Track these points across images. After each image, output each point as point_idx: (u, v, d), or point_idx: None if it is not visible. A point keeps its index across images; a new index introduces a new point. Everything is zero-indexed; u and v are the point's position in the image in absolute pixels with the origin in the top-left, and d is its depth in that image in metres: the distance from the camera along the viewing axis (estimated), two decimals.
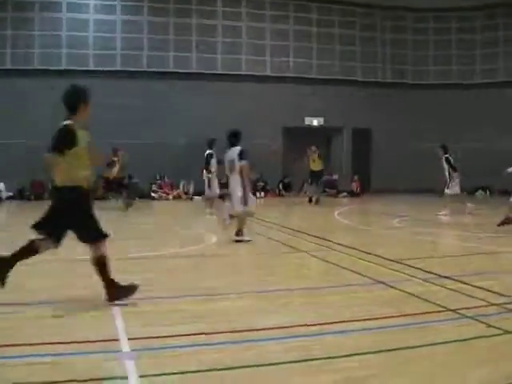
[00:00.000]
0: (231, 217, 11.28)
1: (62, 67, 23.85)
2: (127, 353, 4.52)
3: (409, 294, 6.59)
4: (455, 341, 4.86)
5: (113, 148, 18.78)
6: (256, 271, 8.05)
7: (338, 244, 10.74)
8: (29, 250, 6.00)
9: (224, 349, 4.69)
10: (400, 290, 6.80)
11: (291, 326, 5.23)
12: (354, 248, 10.12)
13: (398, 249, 10.62)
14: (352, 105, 26.99)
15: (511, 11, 27.67)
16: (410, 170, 26.13)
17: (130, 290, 6.02)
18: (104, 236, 6.03)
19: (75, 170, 5.92)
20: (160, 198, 23.82)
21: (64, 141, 5.89)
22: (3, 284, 5.91)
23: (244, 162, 10.85)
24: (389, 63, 28.91)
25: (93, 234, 6.01)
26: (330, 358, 4.44)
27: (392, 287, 6.94)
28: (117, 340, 4.80)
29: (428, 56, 29.07)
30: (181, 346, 4.68)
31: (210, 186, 16.84)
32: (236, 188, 10.89)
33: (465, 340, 4.88)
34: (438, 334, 5.09)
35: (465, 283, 7.11)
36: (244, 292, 6.56)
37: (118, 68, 24.81)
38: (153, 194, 24.08)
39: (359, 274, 7.77)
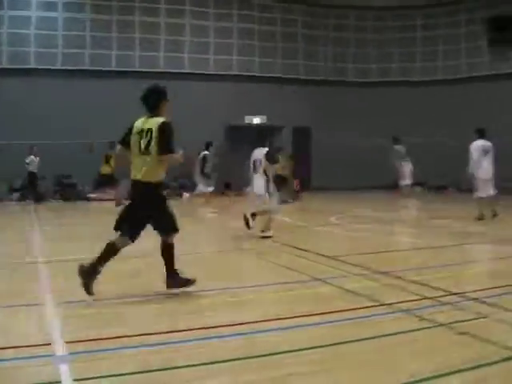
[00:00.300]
0: (254, 215, 11.44)
1: (2, 66, 23.37)
2: (62, 356, 4.47)
3: (345, 290, 6.71)
4: (389, 334, 4.98)
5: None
6: (196, 271, 8.02)
7: (276, 242, 10.82)
8: (110, 252, 6.25)
9: (163, 349, 4.67)
10: (337, 286, 6.91)
11: (232, 325, 5.26)
12: (291, 245, 10.22)
13: (335, 245, 10.77)
14: (293, 103, 27.17)
15: (446, 10, 28.54)
16: (351, 168, 26.45)
17: (188, 282, 6.44)
18: (177, 230, 6.44)
19: (162, 166, 6.33)
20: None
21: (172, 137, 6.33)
22: (91, 292, 6.06)
23: (269, 163, 11.35)
24: (330, 61, 29.24)
25: (169, 226, 6.40)
26: (270, 354, 4.49)
27: (329, 284, 7.04)
28: (51, 344, 4.73)
29: (369, 54, 29.55)
30: (117, 348, 4.65)
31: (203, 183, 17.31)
32: (261, 187, 11.26)
33: (398, 333, 5.00)
34: (373, 328, 5.20)
35: (399, 278, 7.29)
36: (183, 292, 6.54)
37: (59, 67, 24.35)
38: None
39: (297, 271, 7.84)
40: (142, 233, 6.31)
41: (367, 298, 6.24)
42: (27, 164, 21.33)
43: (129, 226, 6.27)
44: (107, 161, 20.47)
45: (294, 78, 28.03)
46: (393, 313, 5.71)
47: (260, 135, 11.46)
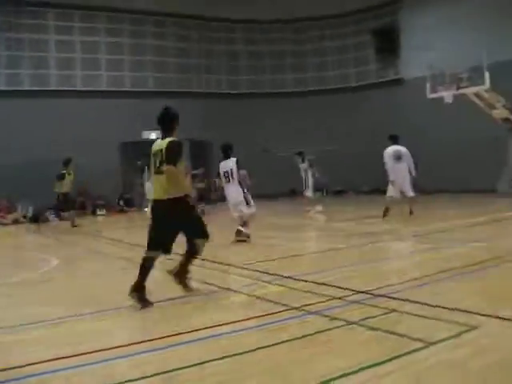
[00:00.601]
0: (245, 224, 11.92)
1: None
2: None
3: (254, 296, 6.69)
4: (302, 337, 4.99)
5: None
6: (96, 291, 7.79)
7: (182, 254, 10.69)
8: (148, 267, 6.73)
9: (74, 373, 4.47)
10: (246, 294, 6.90)
11: (140, 342, 5.11)
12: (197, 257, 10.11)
13: (240, 254, 10.77)
14: (189, 117, 27.07)
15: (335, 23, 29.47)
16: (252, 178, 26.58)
17: (189, 288, 7.05)
18: (207, 236, 7.11)
19: (173, 182, 6.67)
20: None
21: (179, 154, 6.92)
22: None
23: (243, 171, 12.21)
24: (224, 74, 29.43)
25: (200, 232, 7.07)
26: (182, 368, 4.38)
27: (238, 292, 7.03)
28: None
29: (263, 66, 30.02)
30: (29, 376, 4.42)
31: None
32: (238, 195, 11.87)
33: (310, 335, 5.03)
34: (285, 332, 5.18)
35: (306, 281, 7.35)
36: (89, 313, 6.33)
37: None
38: None
39: (204, 282, 7.76)
40: None
41: (276, 304, 6.24)
42: None
43: (158, 243, 6.78)
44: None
45: (189, 91, 28.02)
46: (303, 315, 5.74)
47: (223, 149, 12.42)
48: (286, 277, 7.75)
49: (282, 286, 7.26)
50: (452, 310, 5.53)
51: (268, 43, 30.14)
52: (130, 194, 25.82)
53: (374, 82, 28.54)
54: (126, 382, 4.17)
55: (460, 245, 10.20)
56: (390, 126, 25.09)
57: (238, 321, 5.63)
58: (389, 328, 5.06)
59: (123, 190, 26.04)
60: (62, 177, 18.40)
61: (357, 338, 4.90)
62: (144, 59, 27.44)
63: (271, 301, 6.40)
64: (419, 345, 4.53)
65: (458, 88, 19.30)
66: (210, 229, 7.16)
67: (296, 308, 5.98)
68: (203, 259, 9.77)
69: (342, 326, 5.27)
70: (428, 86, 20.21)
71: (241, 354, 4.63)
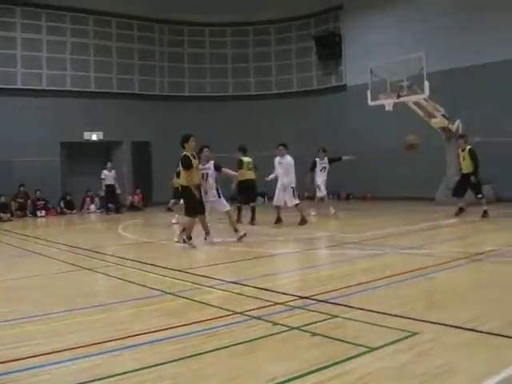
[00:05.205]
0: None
1: None
2: None
3: (197, 301, 6.67)
4: (243, 342, 4.99)
5: None
6: (36, 294, 7.62)
7: (123, 258, 10.61)
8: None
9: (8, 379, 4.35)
10: (188, 298, 6.86)
11: (83, 346, 5.01)
12: (139, 261, 10.04)
13: (182, 258, 10.71)
14: (131, 118, 26.85)
15: (278, 28, 29.71)
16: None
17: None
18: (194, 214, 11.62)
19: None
20: None
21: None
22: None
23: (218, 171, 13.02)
24: (167, 76, 29.25)
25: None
26: (126, 372, 4.32)
27: (180, 297, 6.97)
28: None
29: (205, 69, 29.94)
30: None
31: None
32: (214, 194, 12.77)
33: (253, 340, 5.03)
34: (227, 337, 5.17)
35: (249, 286, 7.37)
36: (28, 317, 6.18)
37: None
38: None
39: (147, 286, 7.70)
40: None
41: (219, 308, 6.23)
42: None
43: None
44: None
45: (131, 92, 27.73)
46: (246, 320, 5.74)
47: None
48: (229, 282, 7.75)
49: (225, 291, 7.25)
50: (392, 315, 5.62)
51: (211, 46, 30.10)
52: (71, 195, 25.30)
53: (317, 89, 28.83)
54: None
55: (398, 251, 10.39)
56: (333, 132, 25.57)
57: (181, 325, 5.59)
58: (331, 333, 5.11)
59: (65, 191, 25.52)
60: None
61: (300, 344, 4.93)
62: (86, 59, 26.97)
63: (214, 306, 6.39)
64: (362, 350, 4.59)
65: (399, 96, 19.61)
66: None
67: (239, 313, 5.98)
68: (146, 263, 9.74)
69: (285, 331, 5.29)
70: (369, 93, 20.49)
71: (183, 359, 4.60)
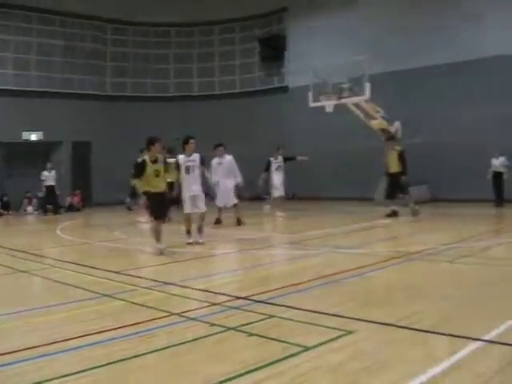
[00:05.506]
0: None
1: None
2: None
3: (135, 303, 6.62)
4: (182, 343, 4.98)
5: None
6: None
7: (61, 260, 10.43)
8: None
9: None
10: (126, 300, 6.80)
11: (19, 350, 4.90)
12: (77, 263, 9.88)
13: (120, 260, 10.56)
14: (72, 118, 26.37)
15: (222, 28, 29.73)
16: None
17: None
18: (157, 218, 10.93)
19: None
20: None
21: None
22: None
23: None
24: (109, 76, 28.86)
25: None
26: (62, 376, 4.25)
27: (118, 299, 6.91)
28: None
29: (148, 69, 29.69)
30: None
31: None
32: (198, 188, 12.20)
33: (191, 341, 5.03)
34: (165, 338, 5.15)
35: (187, 287, 7.36)
36: None
37: None
38: None
39: (84, 289, 7.58)
40: None
41: (157, 310, 6.20)
42: None
43: None
44: None
45: (71, 92, 27.25)
46: (183, 322, 5.73)
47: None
48: (167, 283, 7.72)
49: (163, 292, 7.22)
50: (329, 315, 5.70)
51: (155, 46, 29.84)
52: (8, 196, 24.68)
53: (259, 89, 28.91)
54: None
55: (336, 251, 10.53)
56: (275, 133, 25.66)
57: (119, 327, 5.54)
58: (268, 333, 5.15)
59: (2, 192, 24.88)
60: None
61: (236, 344, 4.95)
62: (28, 57, 26.38)
63: (151, 307, 6.35)
64: (298, 350, 4.63)
65: (340, 98, 19.83)
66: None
67: (176, 314, 5.97)
68: (84, 265, 9.60)
69: (221, 331, 5.31)
70: (310, 94, 20.65)
71: (120, 361, 4.56)
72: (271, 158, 18.32)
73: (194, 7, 28.58)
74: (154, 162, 10.85)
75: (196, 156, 12.25)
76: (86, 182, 27.27)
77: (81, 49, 28.05)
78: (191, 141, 12.03)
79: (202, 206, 12.12)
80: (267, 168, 18.26)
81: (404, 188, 16.61)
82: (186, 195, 12.07)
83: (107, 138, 26.93)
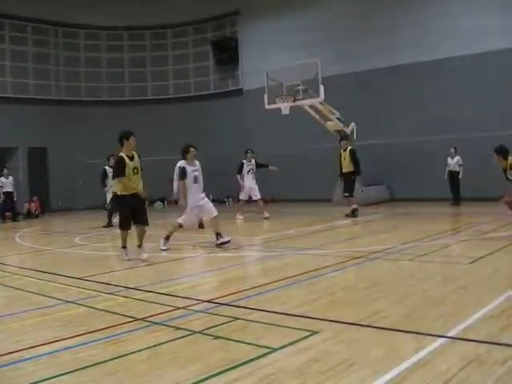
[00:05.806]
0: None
1: None
2: None
3: (98, 309, 6.58)
4: (146, 348, 4.97)
5: None
6: None
7: (21, 268, 10.30)
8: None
9: None
10: (89, 306, 6.75)
11: None
12: (37, 270, 9.77)
13: (82, 266, 10.43)
14: (26, 123, 25.93)
15: (176, 31, 29.63)
16: (92, 187, 25.90)
17: None
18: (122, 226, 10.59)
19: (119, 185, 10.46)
20: None
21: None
22: None
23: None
24: (63, 80, 28.47)
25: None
26: None
27: (81, 305, 6.85)
28: None
29: (101, 73, 29.40)
30: None
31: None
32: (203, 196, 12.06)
33: (156, 345, 5.03)
34: (130, 344, 5.14)
35: (151, 291, 7.34)
36: None
37: None
38: None
39: (46, 296, 7.51)
40: None
41: (121, 315, 6.18)
42: None
43: None
44: None
45: (25, 97, 26.80)
46: (148, 326, 5.72)
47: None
48: (130, 288, 7.68)
49: (126, 297, 7.19)
50: (293, 316, 5.75)
51: (108, 50, 29.58)
52: None
53: (214, 93, 28.91)
54: None
55: (298, 252, 10.61)
56: (230, 136, 25.71)
57: (83, 334, 5.50)
58: (233, 336, 5.18)
59: None
60: None
61: (202, 347, 4.97)
62: None
63: (115, 313, 6.33)
64: (264, 351, 4.67)
65: (295, 100, 19.97)
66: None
67: (141, 319, 5.96)
68: (45, 272, 9.48)
69: (187, 335, 5.32)
70: (266, 97, 20.72)
71: (85, 368, 4.54)
72: (244, 161, 18.27)
73: (146, 10, 28.48)
74: (131, 158, 10.36)
75: (197, 163, 12.19)
76: (44, 188, 26.88)
77: (34, 53, 27.57)
78: (191, 149, 11.97)
79: (209, 214, 12.05)
80: (240, 170, 18.18)
81: (350, 187, 17.01)
82: (192, 205, 11.89)
83: (63, 144, 26.59)
